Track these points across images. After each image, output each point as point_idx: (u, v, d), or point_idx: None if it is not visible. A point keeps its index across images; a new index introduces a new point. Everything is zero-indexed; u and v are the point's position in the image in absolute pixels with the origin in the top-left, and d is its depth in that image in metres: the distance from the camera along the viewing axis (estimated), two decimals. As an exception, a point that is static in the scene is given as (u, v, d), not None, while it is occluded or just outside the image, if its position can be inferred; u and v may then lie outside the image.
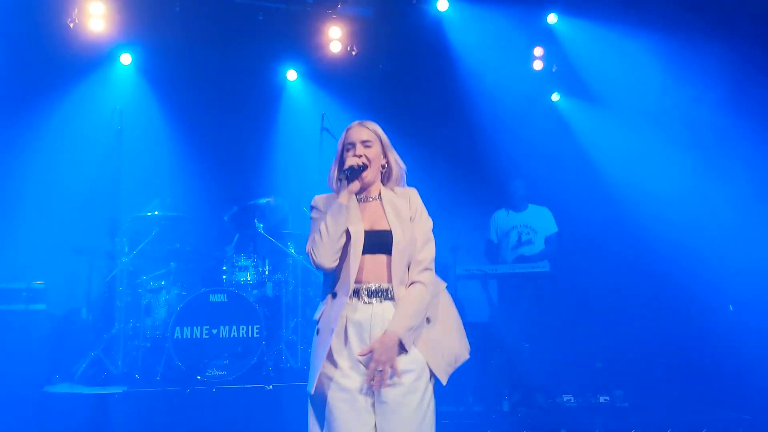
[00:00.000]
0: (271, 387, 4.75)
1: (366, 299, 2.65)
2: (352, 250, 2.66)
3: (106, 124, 6.21)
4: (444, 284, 2.86)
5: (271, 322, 5.43)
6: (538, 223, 6.31)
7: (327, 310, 2.69)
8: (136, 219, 5.54)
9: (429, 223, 2.82)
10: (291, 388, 4.81)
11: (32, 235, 6.14)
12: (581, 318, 6.58)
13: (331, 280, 2.73)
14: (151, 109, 6.87)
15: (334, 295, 2.69)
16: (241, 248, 5.72)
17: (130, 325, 5.34)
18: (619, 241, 6.60)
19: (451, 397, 5.68)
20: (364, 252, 2.66)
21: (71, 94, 6.60)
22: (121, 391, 4.65)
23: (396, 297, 2.65)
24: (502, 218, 6.41)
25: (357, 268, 2.65)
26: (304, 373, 5.14)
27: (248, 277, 5.50)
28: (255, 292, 5.57)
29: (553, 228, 6.30)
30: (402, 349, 2.58)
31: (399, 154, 2.85)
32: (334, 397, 2.56)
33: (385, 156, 2.83)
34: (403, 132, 7.00)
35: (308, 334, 5.56)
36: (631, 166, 6.66)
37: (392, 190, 2.84)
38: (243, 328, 5.12)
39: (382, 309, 2.64)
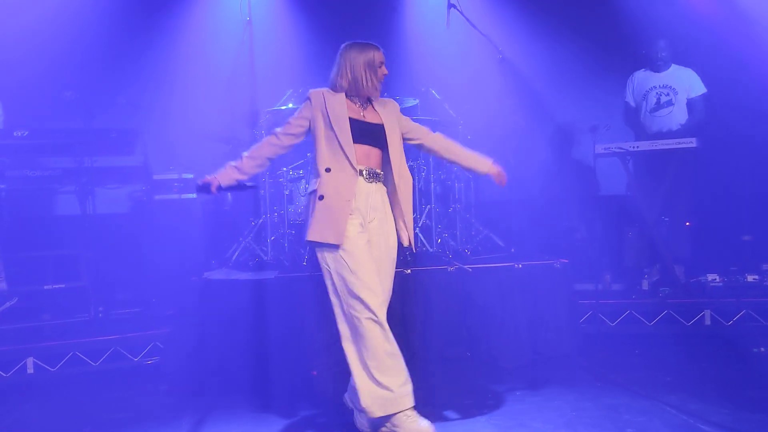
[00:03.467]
0: (409, 271, 4.93)
1: (367, 178, 3.54)
2: (345, 139, 3.49)
3: (235, 15, 6.31)
4: None
5: (406, 207, 5.51)
6: (679, 83, 5.86)
7: (332, 182, 3.47)
8: (272, 112, 5.69)
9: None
10: (428, 272, 4.96)
11: (180, 127, 6.49)
12: (728, 191, 6.23)
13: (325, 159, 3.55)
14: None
15: (328, 170, 3.50)
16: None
17: (275, 213, 5.61)
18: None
19: (588, 274, 5.66)
20: (361, 142, 3.53)
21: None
22: (273, 276, 4.93)
23: (383, 179, 3.62)
24: (640, 79, 6.01)
25: (353, 153, 3.48)
26: (438, 258, 5.27)
27: (383, 164, 5.57)
28: (389, 178, 5.64)
29: (698, 89, 5.82)
30: None
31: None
32: (357, 246, 3.44)
33: None
34: (534, 5, 6.65)
35: (442, 220, 5.66)
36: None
37: (381, 101, 3.71)
38: (380, 214, 5.22)
39: (376, 187, 3.58)
